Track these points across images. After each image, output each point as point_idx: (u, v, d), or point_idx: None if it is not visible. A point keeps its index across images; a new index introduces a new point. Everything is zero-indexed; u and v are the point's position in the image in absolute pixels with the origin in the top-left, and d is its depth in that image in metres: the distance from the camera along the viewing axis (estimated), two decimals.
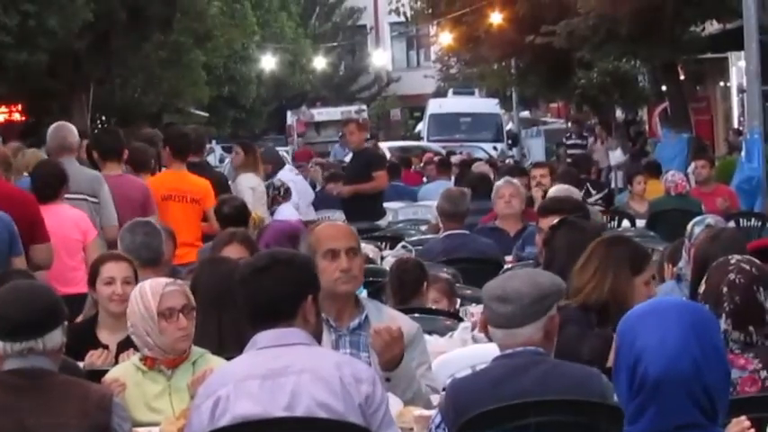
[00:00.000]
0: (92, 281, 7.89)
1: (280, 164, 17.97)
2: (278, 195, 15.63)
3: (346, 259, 7.01)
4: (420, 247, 12.77)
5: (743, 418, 4.94)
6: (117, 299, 7.48)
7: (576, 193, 13.20)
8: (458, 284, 10.03)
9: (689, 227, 9.89)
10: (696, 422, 3.89)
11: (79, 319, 8.24)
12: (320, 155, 37.65)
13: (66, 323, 5.83)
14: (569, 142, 37.82)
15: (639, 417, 3.93)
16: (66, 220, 10.66)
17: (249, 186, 15.05)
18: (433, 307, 9.32)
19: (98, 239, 10.66)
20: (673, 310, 4.08)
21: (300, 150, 38.22)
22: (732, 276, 6.08)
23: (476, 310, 8.64)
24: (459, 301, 9.73)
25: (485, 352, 6.45)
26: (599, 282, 6.79)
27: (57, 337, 5.62)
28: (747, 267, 6.21)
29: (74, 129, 13.28)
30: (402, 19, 61.21)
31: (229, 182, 15.45)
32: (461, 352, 7.52)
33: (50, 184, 10.86)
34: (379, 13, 70.90)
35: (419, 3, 48.15)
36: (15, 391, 5.45)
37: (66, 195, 11.13)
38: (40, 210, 10.47)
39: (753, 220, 12.09)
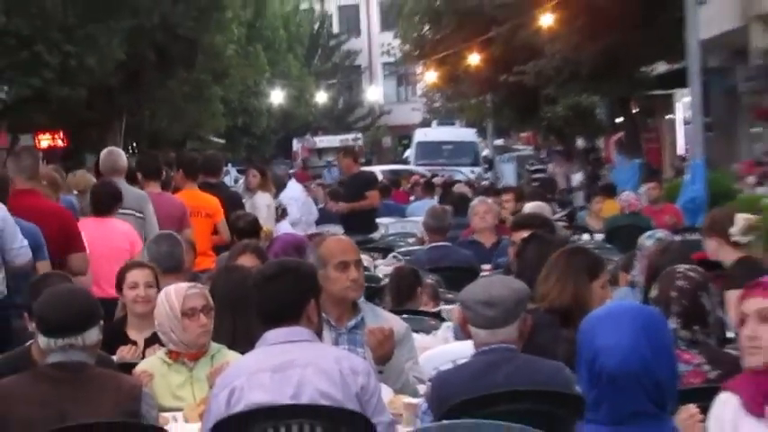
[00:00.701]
0: (119, 286, 7.89)
1: (283, 185, 18.01)
2: (276, 215, 15.80)
3: (355, 270, 7.02)
4: (408, 257, 12.77)
5: (690, 405, 4.93)
6: (141, 301, 7.48)
7: (547, 210, 13.22)
8: (441, 289, 10.03)
9: (641, 240, 9.89)
10: (647, 411, 3.90)
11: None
12: (315, 177, 38.21)
13: (101, 322, 5.83)
14: (532, 168, 38.08)
15: (598, 406, 3.93)
16: (116, 232, 10.65)
17: (265, 204, 15.14)
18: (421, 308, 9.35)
19: (144, 250, 10.68)
20: (627, 314, 4.07)
21: (298, 172, 38.31)
22: (679, 283, 6.08)
23: (455, 310, 8.64)
24: (441, 303, 9.74)
25: (464, 348, 6.44)
26: (562, 288, 6.77)
27: (94, 335, 5.61)
28: (692, 275, 6.22)
29: (122, 154, 13.34)
30: (392, 60, 61.54)
31: (243, 200, 15.46)
32: (444, 348, 7.51)
33: (106, 201, 10.88)
34: (373, 54, 71.00)
35: (407, 46, 48.22)
36: (57, 383, 5.43)
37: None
38: (90, 222, 10.61)
39: (696, 234, 12.11)
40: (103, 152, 13.58)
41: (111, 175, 11.99)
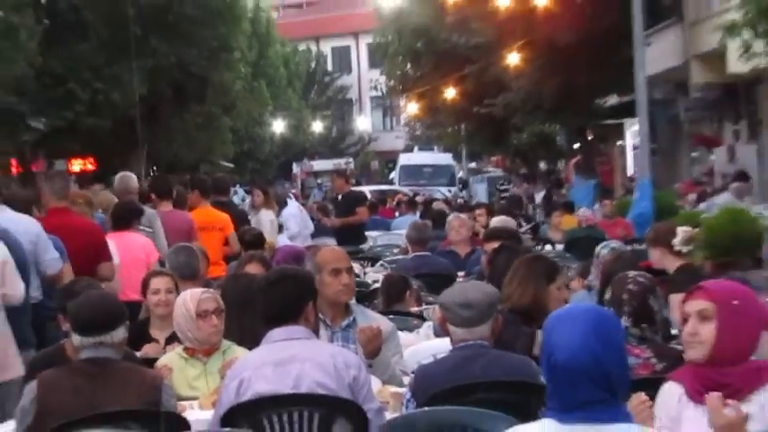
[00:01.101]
0: (143, 291, 7.92)
1: (284, 203, 18.05)
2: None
3: (347, 276, 7.06)
4: (393, 265, 12.77)
5: (640, 393, 4.94)
6: (162, 304, 7.50)
7: (513, 224, 13.23)
8: (422, 293, 10.04)
9: (597, 249, 9.91)
10: (599, 398, 3.89)
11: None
12: (306, 196, 38.75)
13: (127, 322, 5.88)
14: (501, 187, 38.26)
15: (554, 395, 3.93)
16: (135, 244, 10.68)
17: (269, 220, 15.13)
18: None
19: (157, 261, 10.73)
20: (581, 315, 4.07)
21: (296, 193, 38.32)
22: (630, 287, 6.10)
23: (435, 310, 8.65)
24: (424, 305, 9.74)
25: (443, 344, 6.45)
26: (523, 290, 6.80)
27: (121, 333, 5.65)
28: (641, 280, 6.23)
29: (134, 177, 13.53)
30: (379, 94, 61.52)
31: (249, 216, 15.50)
32: (426, 344, 7.52)
33: (126, 218, 10.91)
34: (362, 89, 71.00)
35: (392, 81, 48.22)
36: (88, 375, 5.45)
37: None
38: (112, 236, 10.54)
39: (644, 245, 12.15)
40: (117, 176, 13.87)
41: (125, 196, 12.16)
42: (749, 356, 4.76)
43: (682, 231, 9.59)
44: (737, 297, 4.79)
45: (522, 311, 6.32)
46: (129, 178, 13.25)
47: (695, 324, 4.76)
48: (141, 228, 11.13)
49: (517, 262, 7.58)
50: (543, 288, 6.83)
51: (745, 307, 4.76)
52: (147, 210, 11.81)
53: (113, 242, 10.53)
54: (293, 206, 18.02)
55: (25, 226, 9.10)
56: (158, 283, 7.69)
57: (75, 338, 5.65)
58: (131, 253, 10.53)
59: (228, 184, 18.92)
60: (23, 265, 8.43)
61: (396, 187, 37.75)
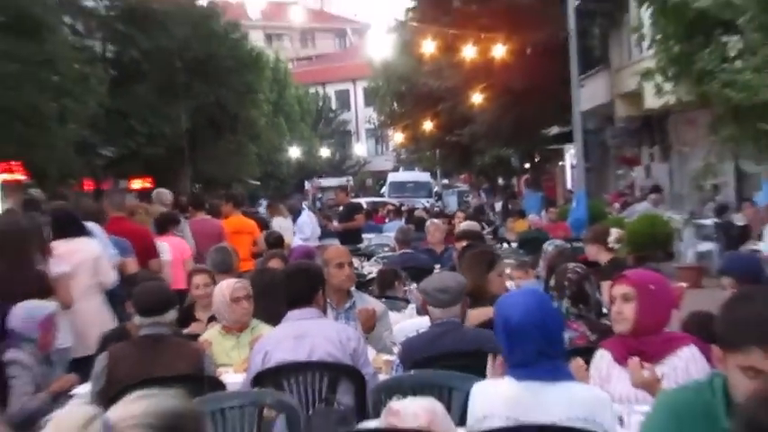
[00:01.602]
0: (189, 284, 7.92)
1: (299, 212, 18.05)
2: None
3: (348, 269, 7.07)
4: (385, 260, 12.74)
5: (578, 358, 4.95)
6: (202, 296, 7.48)
7: (478, 227, 13.23)
8: (407, 281, 10.05)
9: (544, 246, 9.90)
10: (546, 351, 3.91)
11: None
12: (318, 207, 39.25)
13: (177, 306, 5.99)
14: (467, 199, 38.38)
15: (511, 353, 3.94)
16: (175, 245, 10.69)
17: (278, 226, 15.02)
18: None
19: (191, 258, 10.78)
20: (529, 292, 4.33)
21: (309, 205, 38.50)
22: (570, 275, 6.08)
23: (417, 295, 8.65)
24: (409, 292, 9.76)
25: (424, 321, 6.45)
26: (468, 277, 6.79)
27: (172, 315, 5.70)
28: (579, 270, 6.22)
29: (168, 192, 13.64)
30: (372, 126, 61.79)
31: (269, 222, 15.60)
32: (410, 321, 7.51)
33: (165, 224, 10.92)
34: (359, 123, 71.01)
35: (382, 117, 48.40)
36: (146, 348, 5.47)
37: None
38: (162, 239, 10.57)
39: (580, 242, 12.15)
40: (154, 192, 14.04)
41: (160, 206, 12.18)
42: (663, 329, 4.78)
43: (615, 232, 9.62)
44: (653, 283, 4.81)
45: (468, 294, 6.32)
46: (162, 194, 13.34)
47: (620, 304, 4.78)
48: (174, 232, 11.17)
49: (466, 254, 7.66)
50: (484, 274, 6.81)
51: (659, 291, 4.78)
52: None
53: (165, 243, 10.57)
54: (305, 215, 18.01)
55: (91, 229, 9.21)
56: (199, 279, 7.70)
57: (137, 319, 5.72)
58: (173, 252, 10.59)
59: (255, 198, 19.16)
60: None
61: (386, 199, 37.62)
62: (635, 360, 4.55)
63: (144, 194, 23.19)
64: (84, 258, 8.11)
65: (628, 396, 4.55)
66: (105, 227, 9.63)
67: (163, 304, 5.66)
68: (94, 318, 7.90)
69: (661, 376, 4.50)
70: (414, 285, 9.34)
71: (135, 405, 2.22)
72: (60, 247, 7.93)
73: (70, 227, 8.36)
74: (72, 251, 8.02)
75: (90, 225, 9.02)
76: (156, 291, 5.88)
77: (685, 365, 4.61)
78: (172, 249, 10.54)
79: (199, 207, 12.94)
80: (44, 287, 6.80)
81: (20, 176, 21.29)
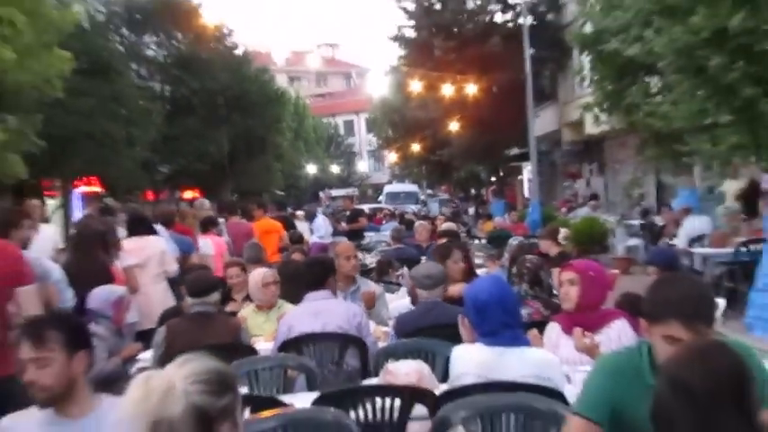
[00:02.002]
0: (224, 272, 7.91)
1: (314, 216, 18.04)
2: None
3: (354, 260, 7.09)
4: (382, 253, 12.68)
5: (534, 330, 4.97)
6: (235, 282, 7.42)
7: (455, 227, 13.20)
8: (400, 269, 10.04)
9: (509, 242, 9.92)
10: (507, 322, 3.90)
11: None
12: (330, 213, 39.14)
13: (220, 289, 5.97)
14: (448, 205, 38.37)
15: (480, 325, 3.94)
16: (216, 242, 10.67)
17: (305, 228, 14.99)
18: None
19: (227, 251, 10.77)
20: (493, 276, 4.33)
21: (324, 211, 38.60)
22: (528, 264, 6.08)
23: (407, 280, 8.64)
24: (401, 277, 9.75)
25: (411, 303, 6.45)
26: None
27: (216, 296, 5.68)
28: (535, 260, 6.23)
29: (206, 201, 13.76)
30: (372, 148, 61.98)
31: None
32: (402, 301, 7.50)
33: (207, 226, 10.89)
34: (362, 146, 70.91)
35: (380, 141, 48.32)
36: (196, 323, 5.46)
37: None
38: (204, 237, 10.57)
39: (536, 239, 12.16)
40: (196, 202, 14.10)
41: (202, 213, 12.13)
42: (600, 306, 4.79)
43: (563, 231, 9.66)
44: (592, 270, 4.82)
45: None
46: (202, 202, 13.45)
47: (567, 287, 4.79)
48: (216, 232, 11.15)
49: (433, 249, 7.73)
50: (443, 262, 6.75)
51: (597, 277, 4.80)
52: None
53: (208, 240, 10.55)
54: (320, 218, 17.99)
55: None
56: (232, 270, 7.63)
57: (188, 299, 5.68)
58: (217, 247, 10.58)
59: (283, 204, 19.27)
60: None
61: (383, 206, 37.45)
62: (578, 330, 4.57)
63: (192, 203, 23.31)
64: (153, 252, 8.14)
65: (573, 359, 4.55)
66: (174, 228, 9.71)
67: (208, 288, 5.64)
68: (160, 299, 7.91)
69: (598, 343, 4.52)
70: (405, 271, 9.35)
71: (191, 365, 2.30)
72: (132, 243, 7.96)
73: (141, 227, 8.39)
74: (142, 247, 8.05)
75: (157, 226, 9.05)
76: (203, 277, 5.88)
77: (617, 335, 4.61)
78: (214, 245, 10.53)
79: (233, 212, 12.91)
80: (105, 276, 6.77)
81: (97, 189, 21.33)
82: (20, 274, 4.48)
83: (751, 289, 10.12)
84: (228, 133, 28.89)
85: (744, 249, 11.26)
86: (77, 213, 21.64)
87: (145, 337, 6.64)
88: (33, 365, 3.08)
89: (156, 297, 7.87)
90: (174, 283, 8.28)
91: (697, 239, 12.80)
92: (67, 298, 5.94)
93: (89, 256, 6.96)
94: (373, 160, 71.99)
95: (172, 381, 2.27)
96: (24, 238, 5.85)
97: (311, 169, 56.17)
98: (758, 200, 13.01)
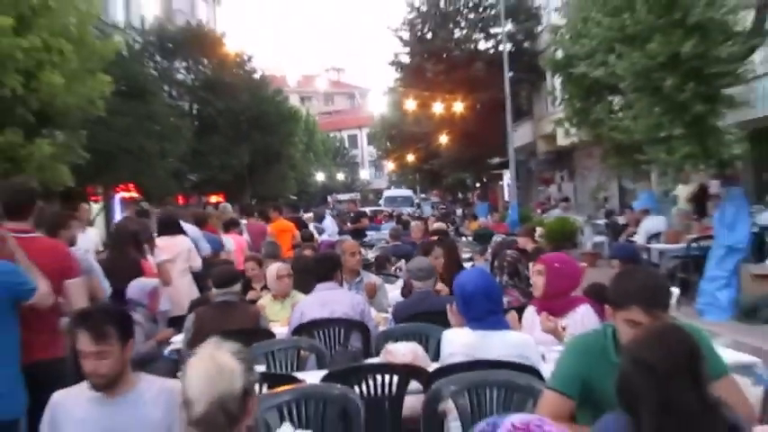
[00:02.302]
0: (243, 266, 7.91)
1: (323, 217, 17.99)
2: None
3: (358, 256, 7.09)
4: (382, 249, 12.67)
5: (514, 312, 4.96)
6: (251, 274, 7.44)
7: (444, 226, 13.21)
8: (398, 263, 10.02)
9: (492, 239, 9.91)
10: (491, 309, 3.89)
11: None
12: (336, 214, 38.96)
13: (241, 281, 5.97)
14: (439, 207, 38.33)
15: (467, 312, 3.93)
16: (237, 240, 10.65)
17: (314, 227, 14.93)
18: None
19: (246, 247, 10.76)
20: (478, 269, 4.23)
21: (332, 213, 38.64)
22: (508, 258, 6.10)
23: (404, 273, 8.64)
24: (399, 270, 9.74)
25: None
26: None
27: (237, 287, 5.66)
28: (514, 255, 6.24)
29: (228, 206, 13.77)
30: (373, 159, 62.07)
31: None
32: (398, 291, 7.50)
33: (229, 226, 10.88)
34: (364, 157, 70.93)
35: (379, 152, 48.51)
36: (221, 310, 5.43)
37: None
38: (227, 236, 10.51)
39: (515, 236, 12.15)
40: (220, 206, 14.12)
41: (224, 216, 12.06)
42: (568, 294, 4.78)
43: (539, 229, 9.67)
44: (558, 262, 4.80)
45: None
46: (225, 206, 13.50)
47: (536, 277, 4.79)
48: (237, 231, 11.13)
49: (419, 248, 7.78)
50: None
51: (563, 268, 4.77)
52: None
53: (230, 239, 10.53)
54: (328, 219, 17.95)
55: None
56: (249, 264, 7.65)
57: (214, 290, 5.66)
58: (237, 244, 10.57)
59: (296, 208, 19.17)
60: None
61: (382, 208, 37.51)
62: (544, 314, 4.59)
63: (217, 206, 23.30)
64: (181, 249, 8.14)
65: (546, 340, 4.54)
66: (206, 228, 9.70)
67: (231, 280, 5.61)
68: (186, 290, 7.90)
69: (565, 326, 4.52)
70: (402, 264, 9.35)
71: (227, 346, 2.33)
72: (163, 241, 7.94)
73: (172, 228, 8.37)
74: (172, 245, 8.05)
75: (189, 226, 9.04)
76: (227, 270, 5.84)
77: (581, 318, 4.61)
78: (235, 243, 10.51)
79: (250, 214, 12.97)
80: (136, 271, 6.75)
81: (134, 194, 21.32)
82: (68, 269, 4.47)
83: (701, 279, 10.14)
84: (248, 148, 28.85)
85: (695, 245, 11.27)
86: (117, 215, 21.70)
87: (175, 323, 6.65)
88: (93, 357, 3.06)
89: (183, 288, 7.86)
90: (198, 276, 8.28)
91: (654, 236, 12.80)
92: (105, 288, 5.93)
93: (123, 254, 6.96)
94: (374, 169, 72.01)
95: (231, 360, 2.27)
96: (72, 236, 5.87)
97: (320, 177, 56.17)
98: (707, 202, 13.03)
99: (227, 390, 2.24)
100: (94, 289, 5.50)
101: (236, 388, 2.26)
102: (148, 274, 6.94)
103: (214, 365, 2.27)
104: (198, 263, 8.35)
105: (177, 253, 8.05)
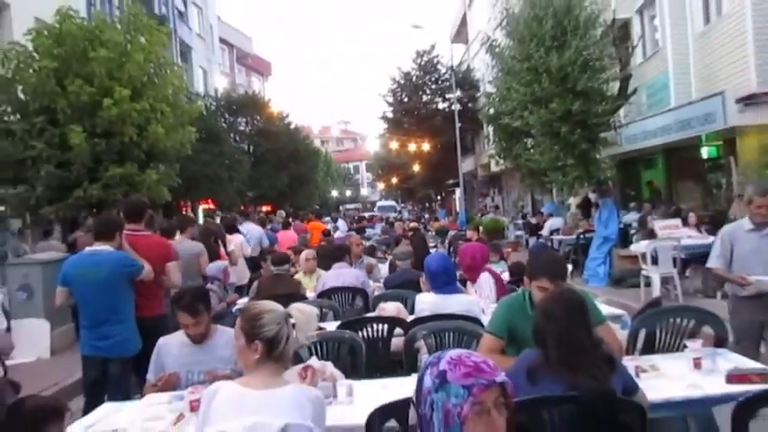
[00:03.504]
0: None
1: (337, 219, 17.84)
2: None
3: (361, 246, 7.10)
4: (376, 241, 12.59)
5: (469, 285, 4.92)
6: (293, 259, 7.30)
7: (418, 225, 13.09)
8: (387, 251, 9.92)
9: (449, 233, 9.84)
10: (448, 281, 3.76)
11: None
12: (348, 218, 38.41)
13: (289, 261, 5.82)
14: (411, 214, 38.24)
15: (433, 282, 3.86)
16: (288, 236, 10.47)
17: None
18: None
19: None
20: (439, 254, 4.07)
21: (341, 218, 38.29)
22: (460, 247, 6.02)
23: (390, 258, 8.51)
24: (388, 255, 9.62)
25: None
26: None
27: (287, 266, 5.52)
28: (462, 243, 6.16)
29: (282, 212, 13.46)
30: (369, 181, 61.65)
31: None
32: (384, 269, 7.40)
33: (286, 225, 10.71)
34: (364, 179, 70.75)
35: (374, 176, 48.40)
36: (275, 281, 5.25)
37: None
38: (281, 232, 10.35)
39: (463, 232, 12.15)
40: (277, 213, 14.03)
41: (266, 222, 11.55)
42: (481, 267, 4.74)
43: (480, 227, 9.63)
44: (471, 248, 4.81)
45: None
46: (279, 213, 13.41)
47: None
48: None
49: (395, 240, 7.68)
50: (396, 245, 6.69)
51: (475, 251, 4.78)
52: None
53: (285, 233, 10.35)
54: (341, 222, 17.85)
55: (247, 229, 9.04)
56: (289, 251, 7.53)
57: (272, 267, 5.53)
58: (290, 238, 10.27)
59: (320, 214, 18.97)
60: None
61: (376, 213, 37.39)
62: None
63: (267, 214, 23.17)
64: (238, 243, 8.01)
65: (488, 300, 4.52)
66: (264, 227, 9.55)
67: (283, 260, 5.53)
68: (242, 269, 7.79)
69: (476, 288, 4.52)
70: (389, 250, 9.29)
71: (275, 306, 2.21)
72: (228, 238, 7.89)
73: (231, 229, 8.30)
74: (233, 240, 7.96)
75: (252, 226, 8.93)
76: (280, 254, 5.77)
77: (485, 282, 4.60)
78: (287, 236, 10.38)
79: (296, 218, 12.82)
80: (214, 256, 6.66)
81: (211, 206, 21.22)
82: (167, 255, 4.46)
83: (586, 259, 10.18)
84: (287, 174, 28.61)
85: (582, 237, 11.32)
86: (200, 220, 21.54)
87: (241, 291, 6.60)
88: (191, 325, 3.12)
89: (240, 268, 7.77)
90: (254, 259, 8.20)
91: (555, 231, 12.84)
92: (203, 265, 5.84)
93: (206, 245, 6.93)
94: (370, 188, 71.75)
95: (278, 308, 2.15)
96: (193, 234, 6.04)
97: (334, 193, 55.89)
98: (590, 208, 13.09)
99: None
100: (203, 264, 5.68)
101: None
102: (222, 258, 6.90)
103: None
104: (248, 251, 8.22)
105: (237, 245, 7.98)
